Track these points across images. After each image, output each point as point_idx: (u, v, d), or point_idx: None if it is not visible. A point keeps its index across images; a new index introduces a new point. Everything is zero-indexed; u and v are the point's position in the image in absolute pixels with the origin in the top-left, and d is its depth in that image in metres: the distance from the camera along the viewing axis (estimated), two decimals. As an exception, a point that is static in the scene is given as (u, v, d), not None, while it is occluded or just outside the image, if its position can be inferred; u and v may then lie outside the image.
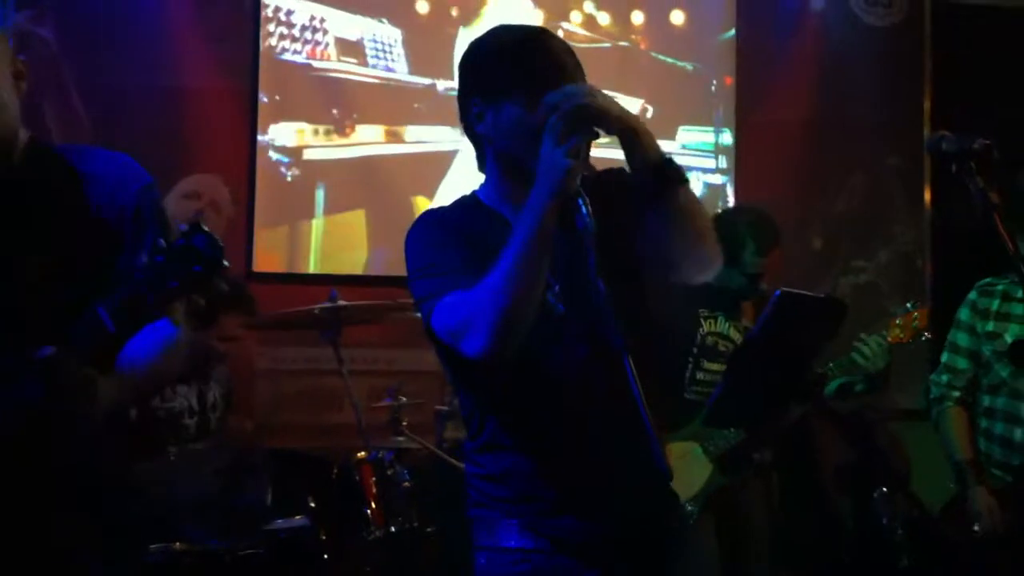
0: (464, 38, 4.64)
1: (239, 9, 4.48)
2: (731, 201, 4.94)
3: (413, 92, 4.63)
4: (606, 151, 1.76)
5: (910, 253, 5.15)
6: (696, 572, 2.93)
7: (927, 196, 5.15)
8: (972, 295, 3.12)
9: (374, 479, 3.42)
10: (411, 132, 4.64)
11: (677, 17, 4.99)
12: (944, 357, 3.15)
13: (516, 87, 1.70)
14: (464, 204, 1.83)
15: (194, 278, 1.50)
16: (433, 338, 1.71)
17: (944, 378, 3.12)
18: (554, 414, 1.72)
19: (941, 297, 4.50)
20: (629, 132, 1.64)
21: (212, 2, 4.47)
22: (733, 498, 3.10)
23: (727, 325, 3.13)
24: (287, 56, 4.51)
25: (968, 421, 3.07)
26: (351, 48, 4.58)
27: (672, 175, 1.65)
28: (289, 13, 4.51)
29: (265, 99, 4.48)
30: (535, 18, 4.74)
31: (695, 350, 3.08)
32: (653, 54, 4.96)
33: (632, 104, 4.72)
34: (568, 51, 1.74)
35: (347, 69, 4.58)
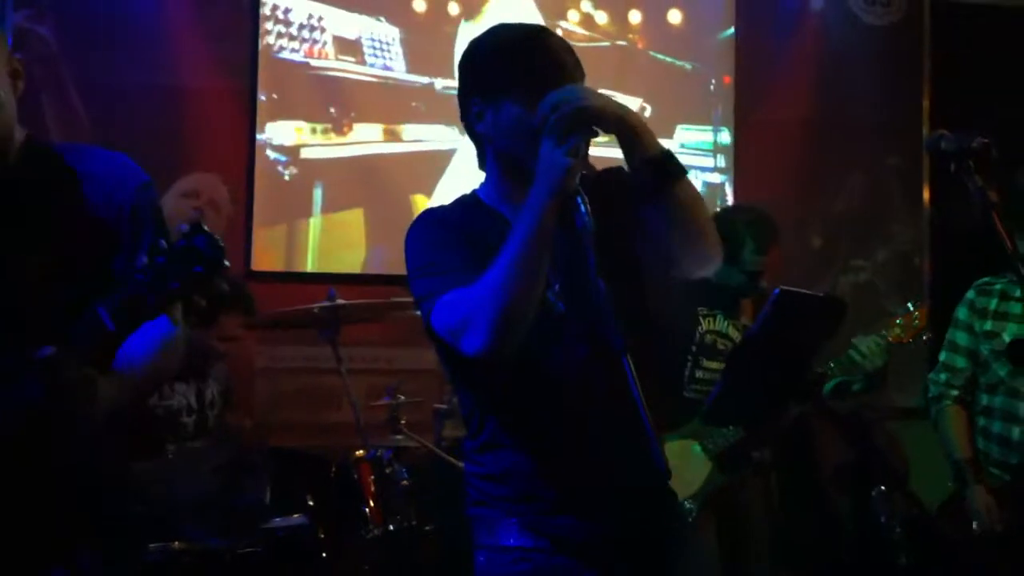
0: (465, 33, 4.63)
1: (238, 8, 4.48)
2: (730, 200, 4.94)
3: (411, 91, 4.62)
4: (606, 150, 1.76)
5: (909, 252, 5.15)
6: (696, 572, 2.93)
7: (926, 195, 5.15)
8: (970, 294, 3.12)
9: (373, 477, 3.42)
10: (409, 131, 4.63)
11: (675, 16, 4.98)
12: (942, 356, 3.15)
13: (515, 86, 1.70)
14: (464, 203, 1.83)
15: (195, 279, 1.50)
16: (433, 336, 1.72)
17: (942, 377, 3.13)
18: (554, 414, 1.72)
19: (940, 296, 4.50)
20: (627, 130, 1.64)
21: (211, 1, 4.47)
22: (732, 497, 3.10)
23: (726, 323, 3.14)
24: (285, 55, 4.50)
25: (967, 420, 3.07)
26: (349, 46, 4.57)
27: (671, 169, 1.65)
28: (287, 11, 4.50)
29: (263, 98, 4.48)
30: (535, 15, 4.74)
31: (694, 348, 3.09)
32: (651, 53, 4.96)
33: (630, 103, 4.72)
34: (567, 49, 1.75)
35: (345, 68, 4.57)
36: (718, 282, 3.14)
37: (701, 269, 1.74)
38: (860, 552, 4.34)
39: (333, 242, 4.57)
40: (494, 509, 1.76)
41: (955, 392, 3.09)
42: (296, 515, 3.25)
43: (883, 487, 3.69)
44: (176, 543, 2.92)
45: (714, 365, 3.06)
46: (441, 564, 3.46)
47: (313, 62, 4.53)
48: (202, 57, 4.39)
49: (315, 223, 4.55)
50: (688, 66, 5.00)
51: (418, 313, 1.75)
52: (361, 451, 3.47)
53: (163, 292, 1.50)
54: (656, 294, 1.80)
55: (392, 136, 4.62)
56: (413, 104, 4.62)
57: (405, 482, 3.44)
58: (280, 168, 4.50)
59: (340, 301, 3.55)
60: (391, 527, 3.35)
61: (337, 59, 4.56)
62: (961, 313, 3.13)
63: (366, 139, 4.60)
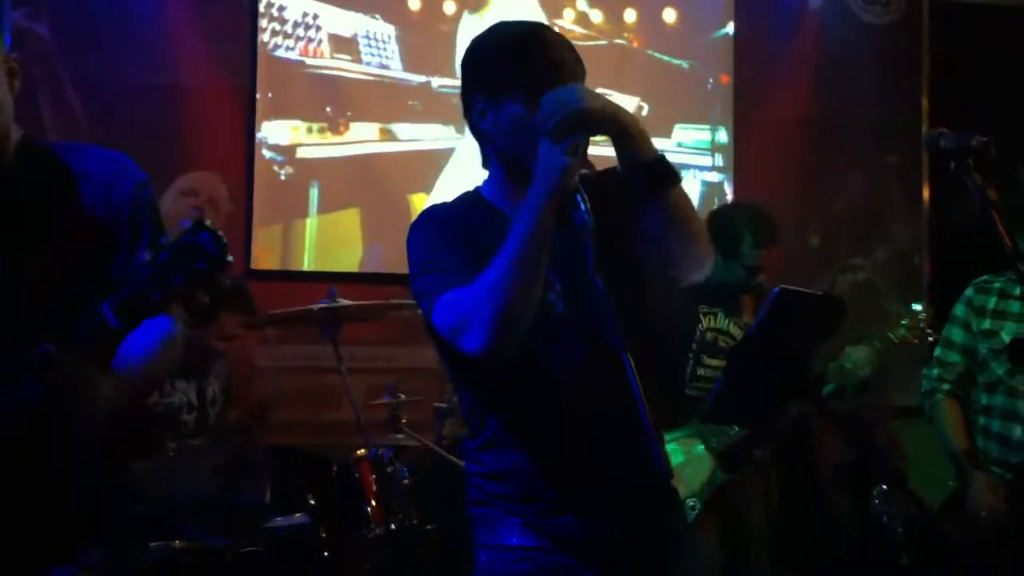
0: (468, 26, 4.62)
1: (236, 7, 4.47)
2: (729, 199, 4.95)
3: (408, 89, 4.62)
4: (607, 150, 1.76)
5: (908, 251, 5.16)
6: (696, 571, 2.93)
7: (925, 194, 5.16)
8: (969, 292, 3.13)
9: (374, 476, 3.43)
10: (406, 130, 4.63)
11: (669, 15, 4.99)
12: (937, 352, 3.16)
13: (516, 85, 1.70)
14: (467, 200, 1.83)
15: (198, 275, 1.50)
16: (433, 335, 1.72)
17: (935, 372, 3.14)
18: (554, 413, 1.72)
19: (939, 295, 4.51)
20: (622, 133, 1.64)
21: (209, 0, 4.47)
22: (733, 497, 3.10)
23: (727, 321, 3.15)
24: (280, 53, 4.50)
25: (960, 411, 3.08)
26: (345, 45, 4.57)
27: (664, 175, 1.65)
28: (282, 9, 4.50)
29: (258, 96, 4.48)
30: (536, 10, 4.73)
31: (695, 346, 3.10)
32: (648, 52, 4.96)
33: (628, 102, 4.72)
34: (567, 46, 1.75)
35: (341, 66, 4.56)
36: (717, 279, 3.16)
37: (692, 274, 1.74)
38: (860, 552, 4.34)
39: (330, 241, 4.57)
40: (495, 508, 1.76)
41: (947, 386, 3.10)
42: (297, 514, 3.25)
43: (884, 486, 3.70)
44: (177, 542, 2.92)
45: (715, 362, 3.07)
46: (442, 563, 3.46)
47: (308, 60, 4.53)
48: (200, 56, 4.39)
49: (312, 223, 4.55)
50: (685, 65, 5.01)
51: (419, 311, 1.75)
52: (362, 450, 3.48)
53: (166, 288, 1.50)
54: (655, 293, 1.80)
55: (389, 135, 4.62)
56: (410, 103, 4.62)
57: (406, 481, 3.44)
58: (276, 168, 4.49)
59: (341, 299, 3.55)
60: (392, 526, 3.35)
61: (333, 57, 4.55)
62: (958, 310, 3.13)
63: (362, 138, 4.60)
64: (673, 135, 4.90)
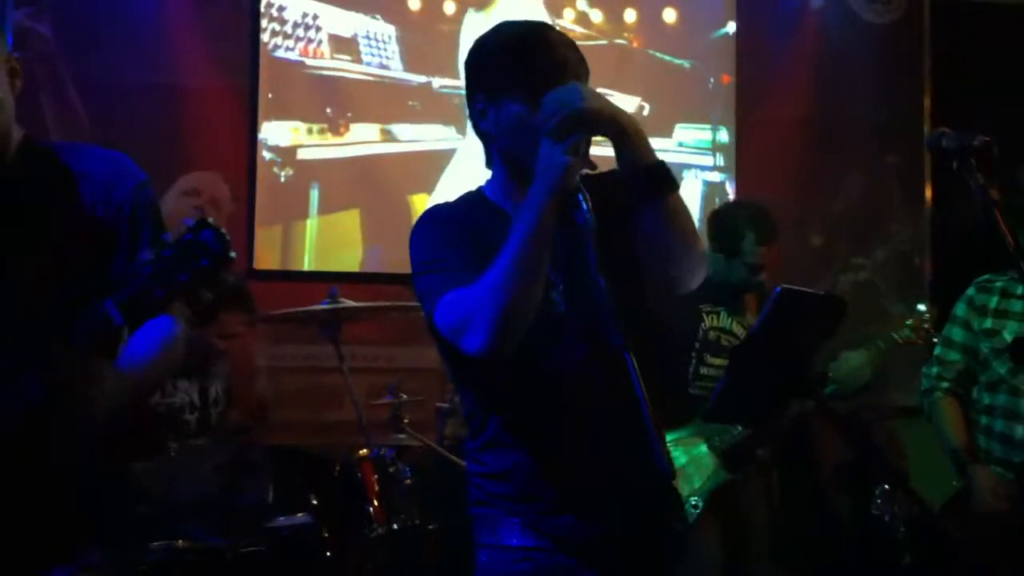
0: (472, 24, 4.61)
1: (238, 7, 4.47)
2: (731, 199, 4.94)
3: (408, 90, 4.61)
4: (608, 150, 1.76)
5: (909, 251, 5.15)
6: (696, 571, 2.93)
7: (927, 194, 5.15)
8: (970, 291, 3.13)
9: (376, 476, 3.43)
10: (407, 130, 4.62)
11: (670, 15, 4.98)
12: (936, 350, 3.16)
13: (518, 85, 1.70)
14: (469, 200, 1.83)
15: (202, 272, 1.50)
16: (435, 334, 1.72)
17: (934, 370, 3.14)
18: (555, 413, 1.72)
19: (941, 295, 4.51)
20: (622, 135, 1.64)
21: (211, 0, 4.47)
22: (734, 497, 3.11)
23: (730, 320, 3.16)
24: (280, 53, 4.49)
25: (959, 409, 3.08)
26: (345, 45, 4.56)
27: (662, 180, 1.65)
28: (281, 9, 4.49)
29: (259, 97, 4.47)
30: (539, 8, 4.73)
31: (697, 345, 3.11)
32: (649, 52, 4.96)
33: (629, 102, 4.72)
34: (570, 45, 1.75)
35: (341, 67, 4.56)
36: (720, 278, 3.16)
37: (685, 281, 1.74)
38: (861, 552, 4.34)
39: (330, 243, 4.56)
40: (496, 508, 1.76)
41: (945, 384, 3.10)
42: (300, 514, 3.25)
43: (886, 486, 3.69)
44: (179, 542, 2.92)
45: (718, 361, 3.08)
46: (444, 563, 3.46)
47: (308, 61, 4.52)
48: (202, 56, 4.39)
49: (312, 224, 4.54)
50: (686, 64, 5.00)
51: (421, 312, 1.75)
52: (364, 450, 3.48)
53: (170, 285, 1.50)
54: (655, 293, 1.80)
55: (389, 136, 4.61)
56: (410, 103, 4.60)
57: (408, 481, 3.44)
58: (276, 169, 4.49)
59: (343, 300, 3.55)
60: (395, 526, 3.35)
61: (333, 58, 4.55)
62: (959, 309, 3.13)
63: (363, 139, 4.59)
64: (674, 135, 4.90)
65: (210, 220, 1.52)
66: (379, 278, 4.40)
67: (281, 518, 3.18)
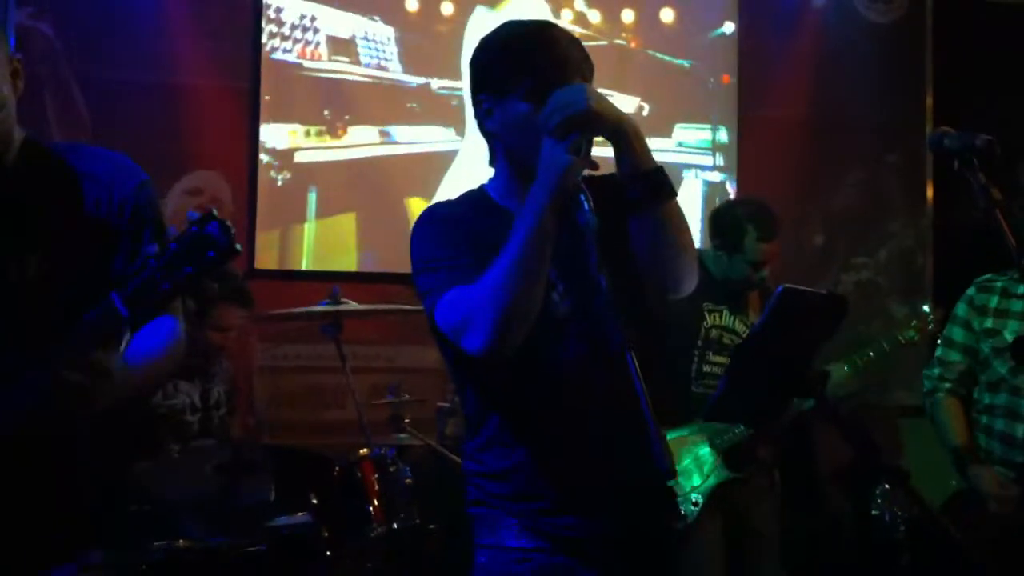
0: (476, 25, 4.61)
1: (240, 8, 4.47)
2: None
3: (407, 91, 4.60)
4: (610, 150, 1.76)
5: (911, 250, 5.15)
6: (699, 571, 2.93)
7: (929, 193, 5.15)
8: (971, 291, 3.13)
9: (376, 476, 3.42)
10: (405, 132, 4.61)
11: (667, 15, 4.98)
12: (938, 351, 3.17)
13: (521, 84, 1.70)
14: (471, 198, 1.83)
15: (208, 264, 1.50)
16: (436, 333, 1.72)
17: (935, 371, 3.14)
18: (555, 413, 1.72)
19: (943, 294, 4.51)
20: (622, 138, 1.64)
21: (213, 0, 4.47)
22: (736, 497, 3.11)
23: (732, 318, 3.16)
24: (278, 55, 4.48)
25: (961, 409, 3.08)
26: (343, 47, 4.55)
27: (660, 187, 1.65)
28: (279, 11, 4.48)
29: (262, 97, 4.46)
30: (544, 10, 4.73)
31: (700, 343, 3.11)
32: (649, 52, 4.95)
33: (628, 102, 4.72)
34: (574, 43, 1.74)
35: (339, 68, 4.54)
36: (722, 276, 3.17)
37: (676, 288, 1.74)
38: (861, 551, 4.34)
39: (328, 246, 4.55)
40: (495, 509, 1.76)
41: (947, 385, 3.10)
42: (300, 514, 3.25)
43: (886, 485, 3.69)
44: (180, 541, 2.92)
45: (720, 359, 3.09)
46: (444, 562, 3.46)
47: (306, 63, 4.51)
48: (204, 56, 4.39)
49: (309, 227, 4.52)
50: (687, 64, 5.00)
51: (422, 312, 1.75)
52: (364, 450, 3.48)
53: (177, 278, 1.50)
54: (655, 293, 1.80)
55: (387, 138, 4.60)
56: (409, 105, 4.60)
57: (408, 480, 3.44)
58: (274, 172, 4.47)
59: (344, 300, 3.55)
60: (395, 525, 3.35)
61: (331, 60, 4.54)
62: (960, 309, 3.13)
63: (361, 141, 4.58)
64: (674, 135, 4.90)
65: (215, 212, 1.52)
66: (381, 278, 4.40)
67: (281, 517, 3.19)
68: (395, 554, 3.36)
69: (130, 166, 1.80)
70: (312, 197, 4.51)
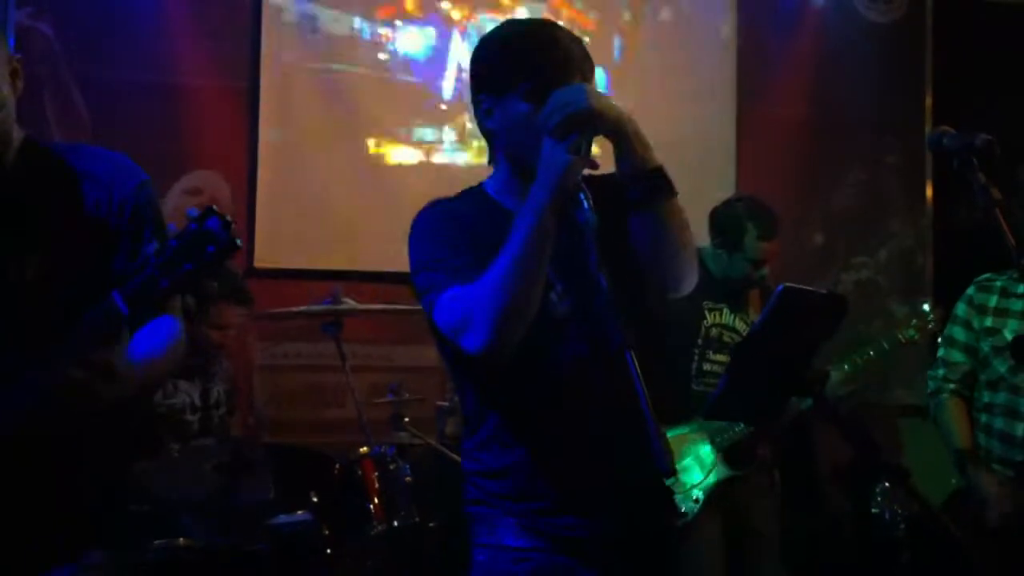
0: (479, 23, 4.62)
1: (240, 7, 4.47)
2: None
3: (408, 91, 4.60)
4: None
5: (911, 250, 5.15)
6: (699, 570, 2.94)
7: (929, 193, 5.15)
8: (970, 290, 3.13)
9: (376, 475, 3.43)
10: (405, 131, 4.60)
11: (667, 13, 4.97)
12: (940, 352, 3.16)
13: (522, 84, 1.70)
14: (471, 196, 1.83)
15: (208, 260, 1.50)
16: (435, 332, 1.72)
17: (940, 372, 3.14)
18: (554, 412, 1.72)
19: (943, 294, 4.51)
20: (623, 138, 1.64)
21: (211, 0, 4.47)
22: (736, 496, 3.11)
23: (732, 317, 3.16)
24: (279, 54, 4.47)
25: (965, 411, 3.08)
26: (343, 46, 4.54)
27: (660, 186, 1.65)
28: (280, 10, 4.48)
29: (262, 97, 4.46)
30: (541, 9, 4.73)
31: (700, 342, 3.12)
32: (649, 50, 4.95)
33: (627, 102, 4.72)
34: (575, 41, 1.74)
35: (339, 68, 4.54)
36: (722, 274, 3.17)
37: (675, 287, 1.74)
38: (861, 550, 4.34)
39: (328, 245, 4.53)
40: (493, 508, 1.75)
41: (952, 386, 3.10)
42: (300, 512, 3.26)
43: (886, 484, 3.70)
44: (180, 540, 2.92)
45: (721, 358, 3.09)
46: (444, 561, 3.46)
47: (306, 63, 4.50)
48: (204, 56, 4.39)
49: (309, 226, 4.51)
50: (687, 63, 4.99)
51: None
52: (364, 448, 3.48)
53: (176, 275, 1.50)
54: (655, 291, 1.80)
55: (388, 137, 4.60)
56: (410, 105, 4.59)
57: (408, 479, 3.44)
58: (273, 172, 4.46)
59: (345, 299, 3.56)
60: (395, 524, 3.35)
61: (331, 59, 4.53)
62: (960, 309, 3.13)
63: (361, 141, 4.57)
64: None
65: (214, 207, 1.52)
66: (381, 277, 4.39)
67: (282, 516, 3.19)
68: (395, 552, 3.37)
69: (130, 166, 1.80)
70: (312, 196, 4.51)
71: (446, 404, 3.91)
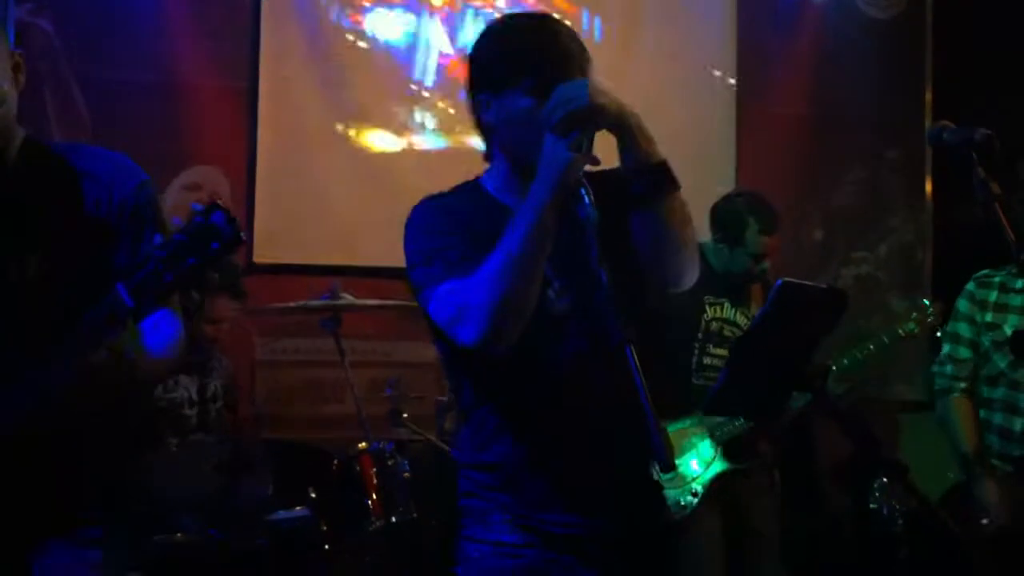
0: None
1: (239, 4, 4.46)
2: (732, 195, 4.94)
3: (410, 91, 4.59)
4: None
5: (911, 245, 5.16)
6: (699, 567, 2.94)
7: (928, 188, 5.15)
8: (970, 286, 3.13)
9: (374, 470, 3.43)
10: (405, 130, 4.59)
11: (667, 11, 4.97)
12: (946, 348, 3.15)
13: (522, 79, 1.69)
14: (467, 191, 1.83)
15: (212, 254, 1.50)
16: (431, 325, 1.72)
17: (948, 369, 3.13)
18: (552, 408, 1.72)
19: (942, 289, 4.51)
20: (626, 132, 1.63)
21: (211, 0, 4.46)
22: (736, 492, 3.11)
23: (733, 311, 3.16)
24: (282, 52, 4.47)
25: (974, 412, 3.07)
26: (342, 46, 4.53)
27: (664, 180, 1.65)
28: (283, 7, 4.47)
29: (260, 95, 4.45)
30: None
31: (700, 336, 3.12)
32: (648, 49, 4.94)
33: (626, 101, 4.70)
34: (573, 36, 1.74)
35: (338, 68, 4.53)
36: (723, 269, 3.17)
37: (676, 282, 1.74)
38: (860, 546, 4.34)
39: (327, 241, 4.52)
40: (487, 502, 1.75)
41: (962, 384, 3.09)
42: (298, 508, 3.26)
43: (884, 479, 3.70)
44: (179, 535, 2.92)
45: (721, 352, 3.09)
46: (442, 556, 3.46)
47: (306, 63, 4.49)
48: (204, 56, 4.37)
49: (309, 222, 4.50)
50: (689, 61, 4.99)
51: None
52: (363, 444, 3.48)
53: (180, 269, 1.50)
54: (654, 287, 1.80)
55: (388, 135, 4.58)
56: (412, 104, 4.58)
57: (407, 475, 3.45)
58: (276, 167, 4.46)
59: (343, 295, 3.56)
60: (393, 519, 3.36)
61: (331, 59, 4.51)
62: (962, 305, 3.13)
63: (361, 139, 4.56)
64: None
65: (219, 202, 1.52)
66: (380, 272, 4.39)
67: (280, 512, 3.20)
68: (393, 548, 3.37)
69: (130, 166, 1.80)
70: (311, 192, 4.50)
71: (445, 400, 3.91)
